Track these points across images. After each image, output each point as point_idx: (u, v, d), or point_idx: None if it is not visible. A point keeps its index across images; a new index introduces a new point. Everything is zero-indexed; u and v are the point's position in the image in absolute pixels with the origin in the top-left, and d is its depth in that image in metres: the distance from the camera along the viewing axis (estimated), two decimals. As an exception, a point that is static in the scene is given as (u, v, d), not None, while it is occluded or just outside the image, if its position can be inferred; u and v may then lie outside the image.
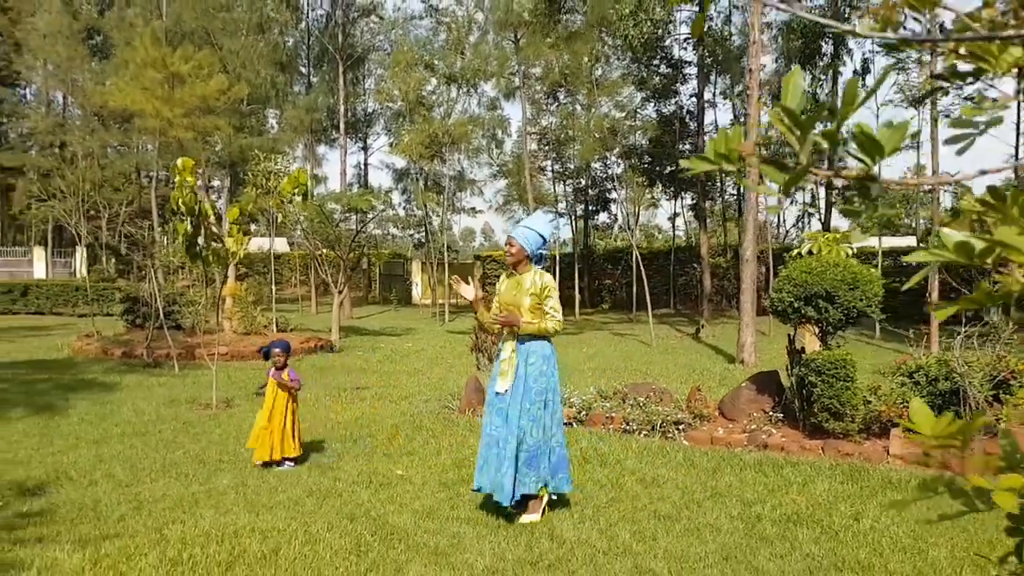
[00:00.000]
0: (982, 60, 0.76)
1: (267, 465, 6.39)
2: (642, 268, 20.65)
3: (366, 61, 39.39)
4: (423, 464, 6.49)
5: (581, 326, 23.62)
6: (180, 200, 8.72)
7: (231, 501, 5.42)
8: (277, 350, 6.73)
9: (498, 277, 31.87)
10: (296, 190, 9.99)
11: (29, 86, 42.64)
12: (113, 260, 33.75)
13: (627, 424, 7.82)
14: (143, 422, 8.20)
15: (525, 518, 5.05)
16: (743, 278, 14.18)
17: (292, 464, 6.46)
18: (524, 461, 5.01)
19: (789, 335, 7.89)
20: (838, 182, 0.69)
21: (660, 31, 25.30)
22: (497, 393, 5.14)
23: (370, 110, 40.87)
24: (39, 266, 30.78)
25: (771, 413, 7.95)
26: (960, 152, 0.78)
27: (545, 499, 5.18)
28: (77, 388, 10.43)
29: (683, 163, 0.75)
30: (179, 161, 8.90)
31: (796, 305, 7.28)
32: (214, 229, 9.31)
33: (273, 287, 13.76)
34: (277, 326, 16.81)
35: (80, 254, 27.99)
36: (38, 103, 40.08)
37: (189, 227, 8.64)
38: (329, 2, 37.86)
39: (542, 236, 5.23)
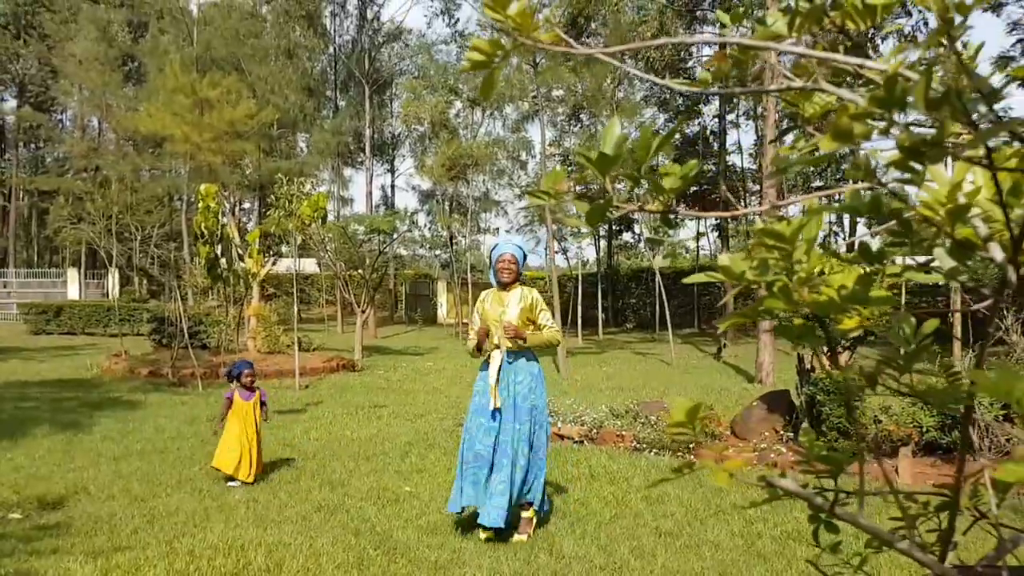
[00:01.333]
0: (795, 106, 0.86)
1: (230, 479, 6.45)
2: (662, 288, 20.66)
3: (392, 84, 40.00)
4: (432, 481, 6.60)
5: (603, 345, 23.63)
6: (203, 224, 8.99)
7: (241, 515, 5.56)
8: (247, 370, 6.81)
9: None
10: (316, 213, 10.22)
11: (65, 111, 43.81)
12: (144, 281, 34.44)
13: (637, 443, 7.87)
14: (163, 439, 8.40)
15: (517, 536, 5.09)
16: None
17: (237, 483, 6.43)
18: (518, 482, 5.05)
19: (799, 354, 7.91)
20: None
21: (682, 52, 25.47)
22: (492, 411, 5.12)
23: (396, 132, 41.42)
24: (72, 287, 31.43)
25: (782, 432, 7.97)
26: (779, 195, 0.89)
27: (534, 517, 5.23)
28: (103, 406, 10.69)
29: (527, 196, 0.86)
30: (202, 187, 9.19)
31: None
32: (238, 251, 9.57)
33: (296, 307, 13.95)
34: (300, 345, 17.05)
35: (112, 275, 28.61)
36: (74, 128, 41.18)
37: (211, 250, 8.88)
38: (356, 28, 38.55)
39: (525, 254, 5.44)
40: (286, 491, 6.32)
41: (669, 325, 19.45)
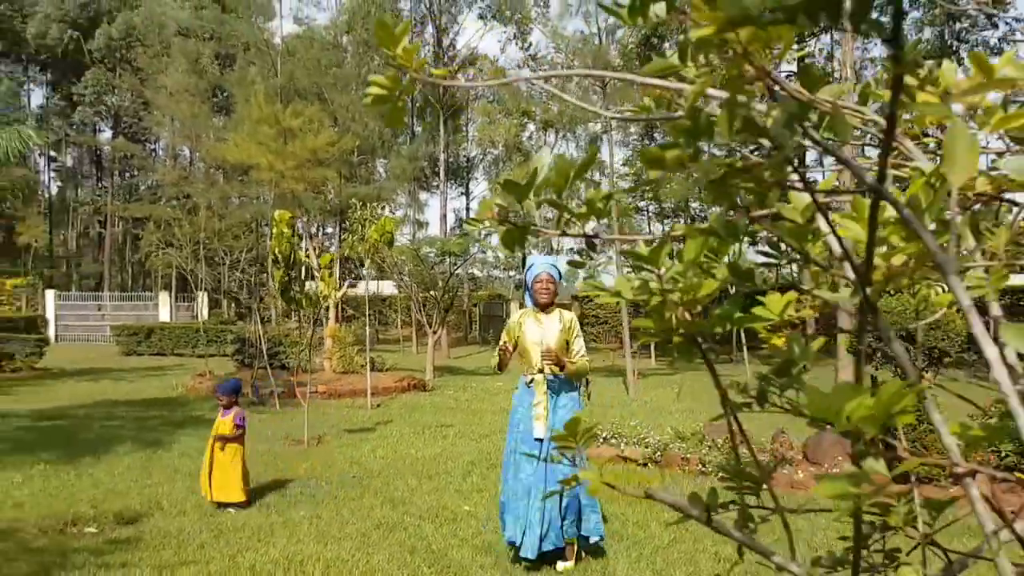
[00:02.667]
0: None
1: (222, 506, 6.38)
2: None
3: (467, 109, 40.62)
4: (491, 500, 6.62)
5: (677, 367, 23.28)
6: (277, 249, 9.31)
7: (304, 531, 5.70)
8: (222, 393, 6.83)
9: (597, 317, 31.91)
10: (383, 237, 10.46)
11: (158, 141, 45.99)
12: (233, 304, 35.70)
13: (703, 466, 7.74)
14: (237, 457, 8.68)
15: (561, 565, 4.94)
16: (838, 315, 13.78)
17: (234, 509, 6.37)
18: (563, 511, 4.91)
19: (871, 376, 7.65)
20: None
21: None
22: (536, 439, 4.94)
23: (471, 156, 42.01)
24: (164, 310, 32.82)
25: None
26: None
27: (575, 543, 5.06)
28: (184, 424, 11.11)
29: (465, 224, 0.90)
30: (276, 213, 9.52)
31: (874, 345, 7.10)
32: (315, 272, 9.87)
33: (367, 328, 14.25)
34: (373, 366, 17.39)
35: (201, 298, 29.78)
36: (166, 157, 43.18)
37: (284, 273, 9.19)
38: (432, 57, 39.34)
39: (560, 274, 5.27)
40: (349, 508, 6.44)
41: (744, 346, 19.07)
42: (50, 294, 32.87)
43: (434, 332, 17.53)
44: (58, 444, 9.20)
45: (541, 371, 5.02)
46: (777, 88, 0.57)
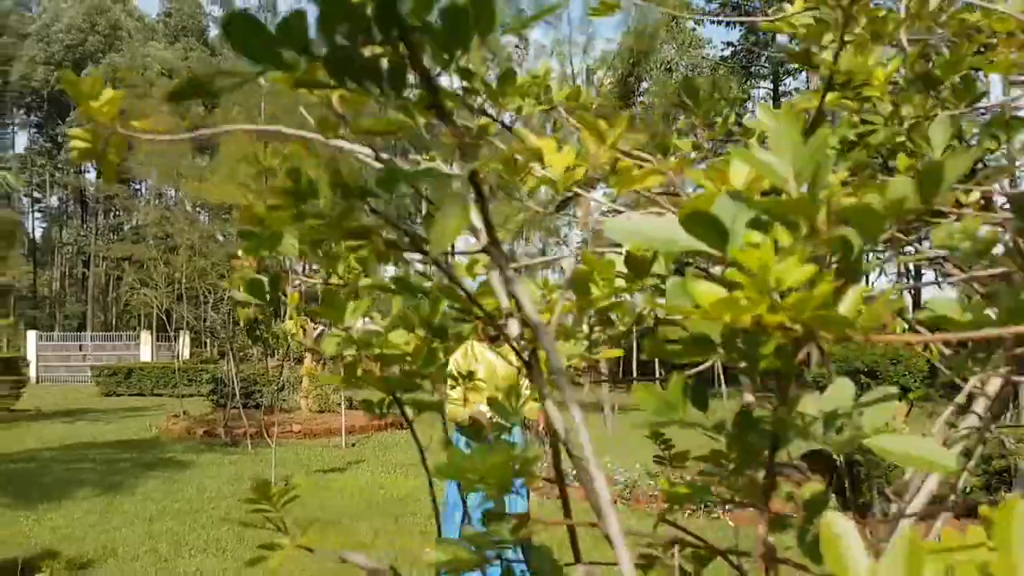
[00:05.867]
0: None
1: None
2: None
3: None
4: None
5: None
6: (240, 288, 9.26)
7: (257, 577, 5.60)
8: None
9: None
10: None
11: (143, 181, 46.03)
12: (217, 343, 35.46)
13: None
14: (202, 499, 8.54)
15: None
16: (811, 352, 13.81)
17: None
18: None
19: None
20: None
21: (739, 110, 25.45)
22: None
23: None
24: (145, 349, 32.55)
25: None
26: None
27: None
28: (155, 466, 10.96)
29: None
30: (240, 252, 9.49)
31: (867, 382, 7.12)
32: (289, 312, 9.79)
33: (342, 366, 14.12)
34: (351, 404, 17.25)
35: (182, 338, 29.55)
36: (150, 196, 43.20)
37: (247, 312, 9.13)
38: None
39: None
40: (308, 553, 6.32)
41: (722, 377, 19.11)
42: (31, 335, 32.60)
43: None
44: (20, 489, 9.04)
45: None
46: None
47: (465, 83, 0.83)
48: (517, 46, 36.23)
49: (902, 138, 0.74)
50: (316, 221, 0.49)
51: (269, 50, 0.35)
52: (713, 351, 0.44)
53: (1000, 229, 0.72)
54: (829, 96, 0.75)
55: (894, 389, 0.57)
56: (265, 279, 0.79)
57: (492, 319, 0.64)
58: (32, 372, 29.33)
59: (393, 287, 0.65)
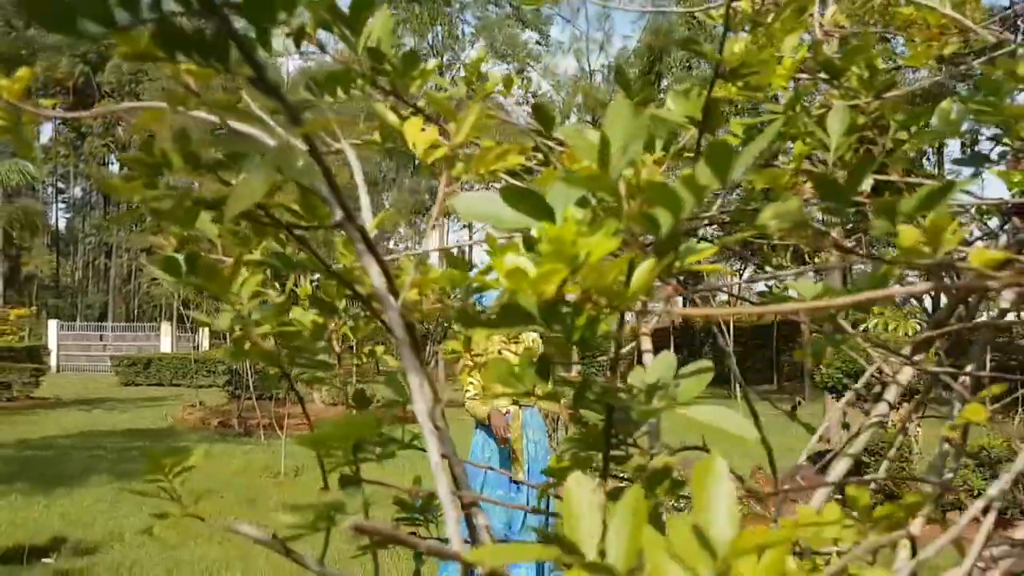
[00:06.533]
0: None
1: None
2: (728, 342, 20.21)
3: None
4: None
5: (676, 401, 23.16)
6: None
7: (259, 566, 5.65)
8: None
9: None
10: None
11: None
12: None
13: (676, 503, 7.66)
14: (212, 488, 8.63)
15: None
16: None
17: None
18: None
19: (844, 411, 7.61)
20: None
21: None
22: (515, 483, 4.28)
23: (474, 188, 42.27)
24: (165, 340, 32.84)
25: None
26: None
27: None
28: (167, 456, 11.06)
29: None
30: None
31: (845, 382, 7.06)
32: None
33: (355, 360, 14.20)
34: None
35: (201, 330, 29.80)
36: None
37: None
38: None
39: None
40: (311, 542, 6.37)
41: (739, 380, 18.98)
42: (53, 324, 33.00)
43: (425, 363, 17.49)
44: (35, 475, 9.18)
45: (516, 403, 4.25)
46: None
47: (374, 64, 0.84)
48: (538, 42, 36.21)
49: (800, 128, 0.75)
50: (165, 192, 0.51)
51: (65, 18, 0.36)
52: (530, 321, 0.45)
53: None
54: (729, 88, 0.76)
55: (709, 363, 0.58)
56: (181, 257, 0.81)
57: (364, 298, 0.66)
58: (53, 361, 29.73)
59: (276, 263, 0.66)
